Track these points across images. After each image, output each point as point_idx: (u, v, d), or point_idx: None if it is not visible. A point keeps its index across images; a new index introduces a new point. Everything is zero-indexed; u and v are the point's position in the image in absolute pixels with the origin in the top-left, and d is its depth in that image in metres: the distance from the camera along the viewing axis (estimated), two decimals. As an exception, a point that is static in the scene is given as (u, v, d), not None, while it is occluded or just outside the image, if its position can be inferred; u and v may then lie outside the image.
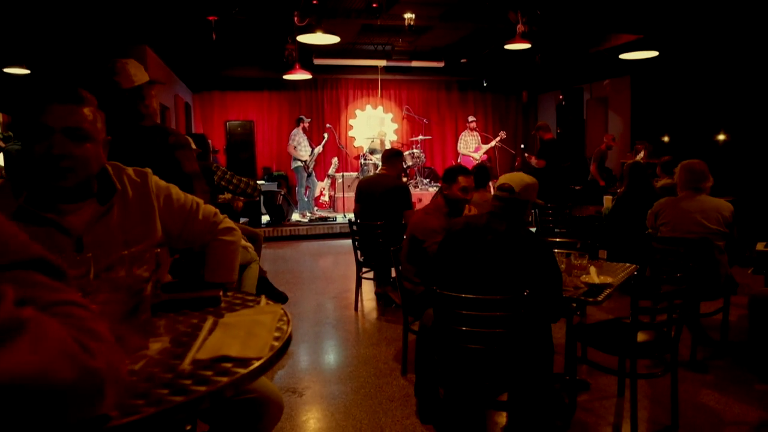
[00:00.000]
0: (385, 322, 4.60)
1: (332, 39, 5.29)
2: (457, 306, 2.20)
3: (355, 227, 4.82)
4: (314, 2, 5.89)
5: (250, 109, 11.84)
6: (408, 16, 6.40)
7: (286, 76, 7.52)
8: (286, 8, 6.48)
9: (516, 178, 2.45)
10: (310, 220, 9.42)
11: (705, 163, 3.74)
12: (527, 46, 7.32)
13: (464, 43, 9.55)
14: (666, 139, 9.42)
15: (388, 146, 11.81)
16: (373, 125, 12.22)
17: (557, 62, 10.06)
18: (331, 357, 3.95)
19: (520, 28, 6.91)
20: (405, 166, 10.84)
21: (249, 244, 3.71)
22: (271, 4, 6.18)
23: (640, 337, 2.71)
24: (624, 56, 6.08)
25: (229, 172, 3.54)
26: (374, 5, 6.03)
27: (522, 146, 8.62)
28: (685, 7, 6.17)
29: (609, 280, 2.74)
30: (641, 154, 9.33)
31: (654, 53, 5.86)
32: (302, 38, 5.21)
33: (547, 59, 9.70)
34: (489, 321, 2.20)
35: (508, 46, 7.36)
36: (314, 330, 4.47)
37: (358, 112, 12.45)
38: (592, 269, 2.82)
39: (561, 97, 11.19)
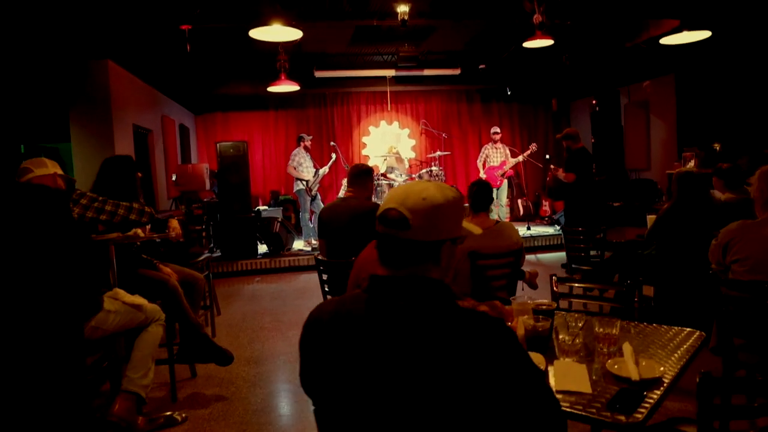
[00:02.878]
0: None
1: (291, 34, 4.35)
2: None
3: (322, 267, 3.83)
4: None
5: (254, 129, 11.09)
6: (401, 9, 5.42)
7: (271, 88, 6.66)
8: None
9: (412, 197, 1.24)
10: (314, 249, 8.46)
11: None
12: (549, 42, 6.25)
13: (479, 46, 8.53)
14: (717, 146, 8.08)
15: (405, 163, 10.84)
16: (388, 142, 11.24)
17: (588, 62, 8.90)
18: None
19: (537, 18, 5.85)
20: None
21: (142, 301, 2.75)
22: (238, 6, 5.32)
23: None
24: (666, 41, 4.92)
25: (99, 199, 2.59)
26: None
27: (547, 157, 7.47)
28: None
29: (657, 370, 1.63)
30: (691, 164, 8.04)
31: (704, 34, 4.68)
32: (255, 33, 4.30)
33: (577, 60, 8.57)
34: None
35: (527, 44, 6.31)
36: (259, 405, 3.46)
37: (371, 128, 11.53)
38: (627, 349, 1.72)
39: (594, 102, 9.97)
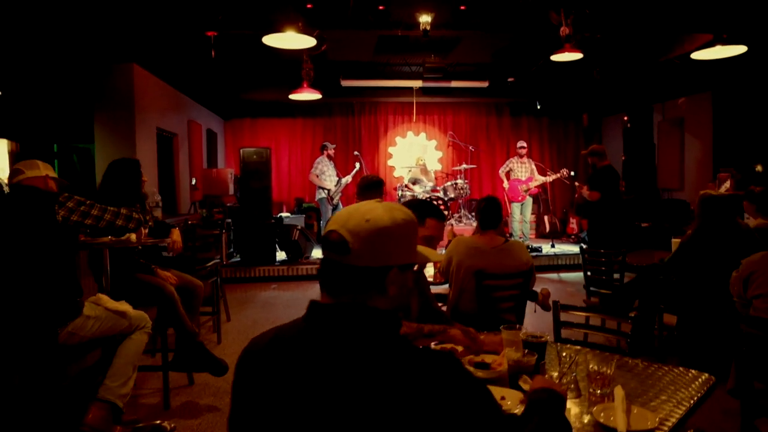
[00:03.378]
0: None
1: (304, 41, 4.30)
2: None
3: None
4: (308, 6, 4.96)
5: (281, 136, 11.14)
6: (423, 19, 5.33)
7: (293, 96, 6.64)
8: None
9: (355, 218, 1.14)
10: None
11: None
12: (578, 56, 6.07)
13: (508, 59, 8.36)
14: (759, 168, 7.71)
15: (431, 175, 10.71)
16: (414, 153, 11.16)
17: (621, 78, 8.63)
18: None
19: (564, 30, 5.67)
20: (446, 198, 9.68)
21: (127, 308, 2.68)
22: (263, 11, 5.31)
23: None
24: (698, 55, 4.67)
25: (87, 203, 2.53)
26: (380, 7, 5.02)
27: (572, 173, 7.21)
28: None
29: (650, 420, 1.47)
30: (726, 185, 7.68)
31: (740, 49, 4.42)
32: (268, 39, 4.26)
33: (608, 74, 8.31)
34: None
35: (555, 57, 6.14)
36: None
37: (398, 139, 11.45)
38: (618, 393, 1.56)
39: (626, 119, 9.66)
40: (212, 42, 6.38)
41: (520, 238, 9.09)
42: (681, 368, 1.88)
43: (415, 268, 1.25)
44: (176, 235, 3.80)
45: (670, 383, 1.78)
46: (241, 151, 8.11)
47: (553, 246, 8.92)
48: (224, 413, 3.40)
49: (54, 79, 5.82)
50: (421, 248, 1.36)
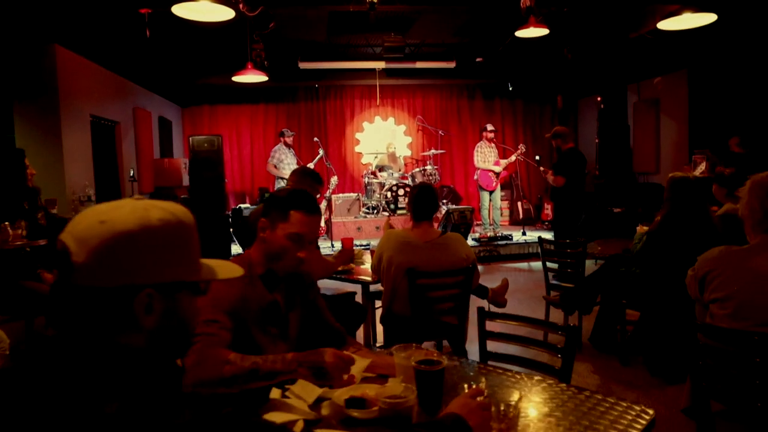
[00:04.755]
0: None
1: (221, 13, 3.80)
2: None
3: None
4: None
5: (242, 123, 10.61)
6: (369, -10, 4.85)
7: (236, 78, 6.11)
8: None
9: (88, 220, 0.81)
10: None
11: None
12: (544, 32, 5.66)
13: (474, 38, 7.91)
14: (735, 141, 7.30)
15: (400, 162, 10.26)
16: (382, 139, 10.70)
17: (594, 57, 8.21)
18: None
19: (524, 2, 5.24)
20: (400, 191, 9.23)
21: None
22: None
23: None
24: (664, 25, 4.24)
25: None
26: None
27: (537, 158, 6.78)
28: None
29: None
30: (701, 168, 7.34)
31: (710, 17, 3.99)
32: (177, 9, 3.76)
33: (580, 53, 7.89)
34: None
35: (519, 33, 5.73)
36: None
37: (365, 124, 10.97)
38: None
39: (599, 99, 9.26)
40: (146, 20, 5.85)
41: (491, 225, 8.70)
42: (624, 403, 1.46)
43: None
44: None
45: (596, 420, 1.36)
46: (190, 139, 7.60)
47: (524, 233, 8.54)
48: None
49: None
50: (210, 262, 0.98)
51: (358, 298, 3.72)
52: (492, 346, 2.08)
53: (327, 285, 4.13)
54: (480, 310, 2.12)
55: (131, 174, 6.90)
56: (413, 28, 6.83)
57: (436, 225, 8.69)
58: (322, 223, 9.24)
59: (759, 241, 1.87)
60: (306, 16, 6.47)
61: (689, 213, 3.27)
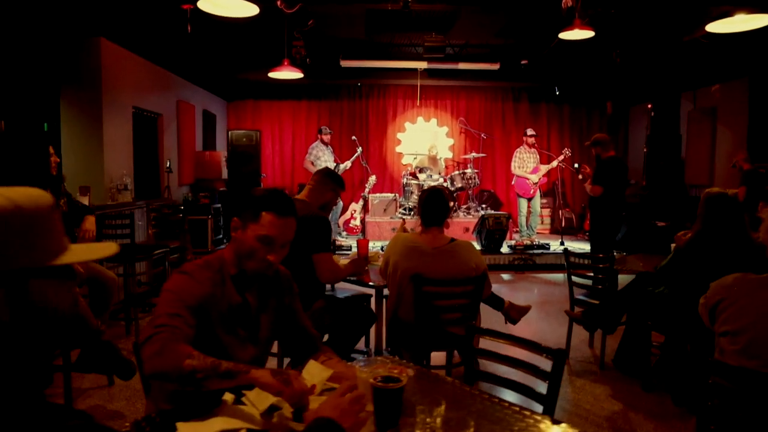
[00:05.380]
0: None
1: (246, 9, 3.79)
2: None
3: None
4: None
5: (285, 119, 10.71)
6: (405, -11, 4.77)
7: (272, 74, 6.15)
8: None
9: None
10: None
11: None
12: (590, 34, 5.46)
13: (518, 39, 7.70)
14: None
15: (440, 164, 10.11)
16: (424, 140, 10.57)
17: (645, 61, 7.83)
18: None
19: (566, 2, 5.04)
20: (453, 188, 9.09)
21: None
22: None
23: None
24: (713, 27, 3.95)
25: None
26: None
27: (576, 165, 6.49)
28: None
29: None
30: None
31: (764, 19, 3.68)
32: (203, 4, 3.79)
33: (631, 58, 7.54)
34: None
35: (563, 35, 5.56)
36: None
37: (407, 124, 10.87)
38: None
39: (650, 107, 8.83)
40: (188, 16, 5.97)
41: (528, 233, 8.45)
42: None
43: None
44: (89, 223, 3.41)
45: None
46: (229, 133, 7.74)
47: (562, 243, 8.24)
48: (128, 419, 3.01)
49: (18, 57, 5.50)
50: (81, 246, 0.94)
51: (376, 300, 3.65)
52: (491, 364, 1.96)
53: (346, 286, 4.08)
54: (470, 326, 2.01)
55: (167, 165, 7.06)
56: (454, 28, 6.69)
57: (471, 230, 8.55)
58: (357, 222, 9.24)
59: (779, 270, 1.68)
60: (344, 14, 6.44)
61: (723, 233, 3.03)
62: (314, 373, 1.61)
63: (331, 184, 3.28)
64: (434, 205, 2.92)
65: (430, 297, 2.85)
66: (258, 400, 1.44)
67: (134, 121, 6.58)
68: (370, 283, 3.44)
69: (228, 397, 1.47)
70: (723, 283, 1.73)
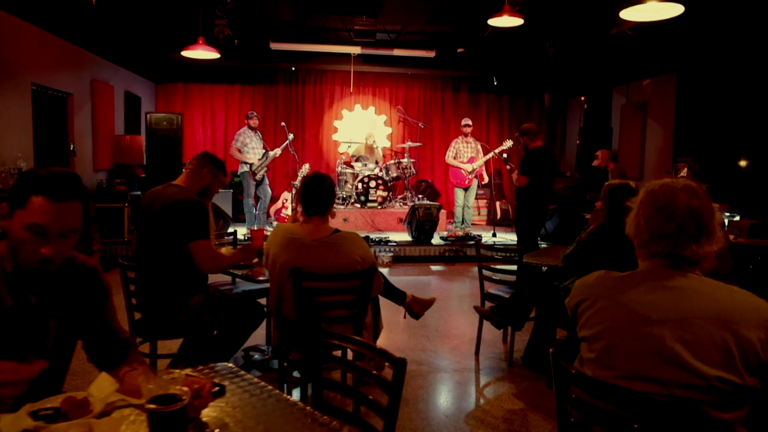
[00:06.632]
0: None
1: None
2: None
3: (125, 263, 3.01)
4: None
5: (217, 104, 10.25)
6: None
7: (185, 53, 5.75)
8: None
9: None
10: (249, 238, 7.59)
11: (707, 192, 1.55)
12: (519, 21, 5.36)
13: (452, 26, 7.54)
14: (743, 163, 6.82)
15: (377, 153, 9.89)
16: (362, 128, 10.32)
17: (579, 54, 7.81)
18: None
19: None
20: (388, 178, 8.89)
21: None
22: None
23: None
24: (627, 14, 3.83)
25: None
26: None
27: (505, 156, 6.36)
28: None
29: None
30: (683, 175, 6.94)
31: (677, 9, 3.58)
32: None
33: (565, 50, 7.49)
34: None
35: (492, 21, 5.44)
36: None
37: (345, 112, 10.58)
38: None
39: (583, 99, 8.86)
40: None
41: (462, 224, 8.34)
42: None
43: None
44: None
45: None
46: (147, 116, 7.26)
47: (494, 235, 8.17)
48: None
49: None
50: None
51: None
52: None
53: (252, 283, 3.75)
54: (317, 329, 1.78)
55: (71, 148, 6.55)
56: (383, 11, 6.44)
57: (402, 220, 8.37)
58: (289, 211, 8.90)
59: (642, 268, 1.50)
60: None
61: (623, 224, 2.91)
62: (103, 387, 1.35)
63: (210, 166, 3.00)
64: (315, 193, 2.67)
65: (311, 293, 2.61)
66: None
67: (36, 100, 6.05)
68: (261, 278, 3.18)
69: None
70: (585, 281, 1.55)
